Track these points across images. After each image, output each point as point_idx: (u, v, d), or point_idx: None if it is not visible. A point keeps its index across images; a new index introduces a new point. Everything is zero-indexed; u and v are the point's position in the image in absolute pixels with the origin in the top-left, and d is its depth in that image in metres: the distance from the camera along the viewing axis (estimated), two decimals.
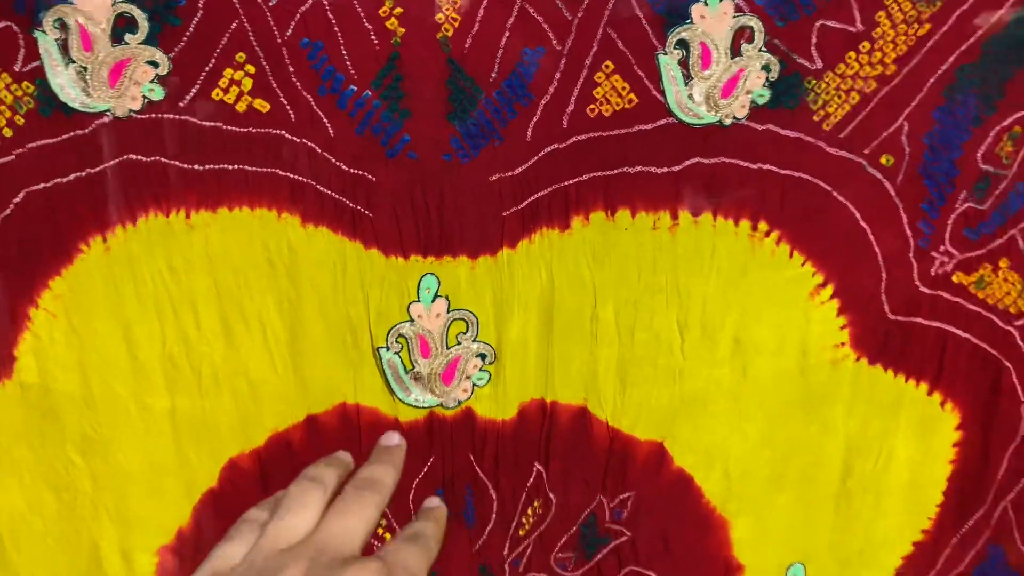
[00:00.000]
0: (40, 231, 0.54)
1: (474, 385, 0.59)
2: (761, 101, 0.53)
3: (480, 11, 0.51)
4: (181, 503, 0.60)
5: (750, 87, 0.53)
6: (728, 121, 0.53)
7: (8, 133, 0.52)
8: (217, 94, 0.52)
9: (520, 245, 0.56)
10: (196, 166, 0.53)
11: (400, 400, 0.59)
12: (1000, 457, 0.62)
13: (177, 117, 0.52)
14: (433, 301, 0.57)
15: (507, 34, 0.51)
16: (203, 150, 0.53)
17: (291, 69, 0.52)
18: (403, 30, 0.51)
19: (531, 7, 0.51)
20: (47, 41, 0.50)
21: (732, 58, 0.52)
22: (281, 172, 0.54)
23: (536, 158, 0.53)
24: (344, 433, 0.60)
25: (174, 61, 0.51)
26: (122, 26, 0.50)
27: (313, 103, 0.52)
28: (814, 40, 0.52)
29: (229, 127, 0.53)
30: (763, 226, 0.56)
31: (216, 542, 0.58)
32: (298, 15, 0.51)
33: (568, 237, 0.56)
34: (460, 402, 0.60)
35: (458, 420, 0.60)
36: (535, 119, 0.52)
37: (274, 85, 0.52)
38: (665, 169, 0.54)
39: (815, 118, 0.54)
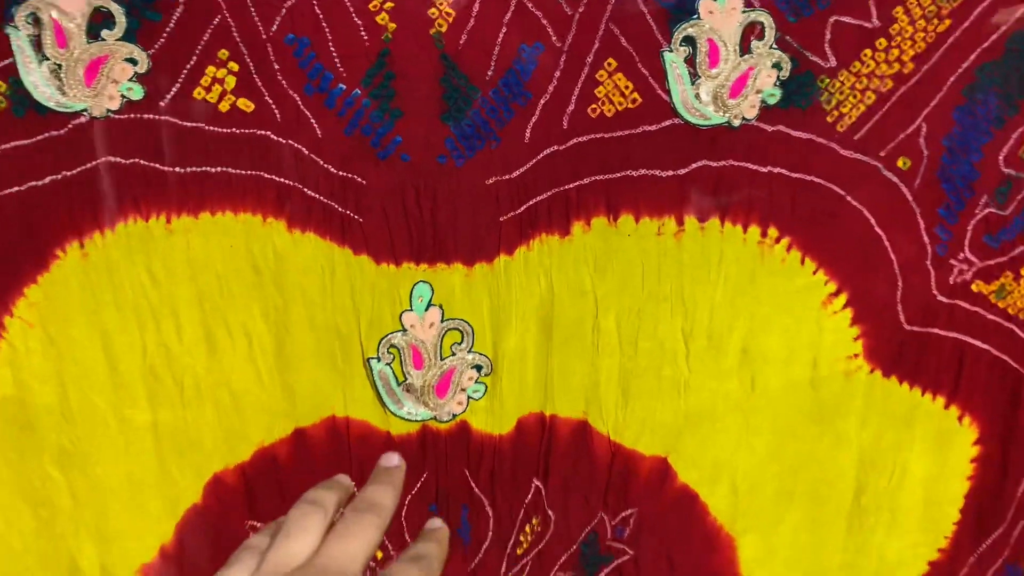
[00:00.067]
0: (14, 237, 0.52)
1: (469, 398, 0.58)
2: (772, 101, 0.52)
3: (476, 5, 0.49)
4: (163, 520, 0.59)
5: (760, 86, 0.52)
6: (737, 122, 0.52)
7: None
8: (199, 93, 0.51)
9: (518, 252, 0.55)
10: (177, 168, 0.52)
11: (392, 413, 0.58)
12: (1020, 473, 0.60)
13: (157, 117, 0.51)
14: (426, 310, 0.55)
15: (504, 30, 0.50)
16: (185, 152, 0.51)
17: (276, 67, 0.50)
18: (394, 25, 0.50)
19: (529, 1, 0.50)
20: (19, 37, 0.49)
21: (741, 56, 0.51)
22: (266, 175, 0.52)
23: (535, 160, 0.53)
24: (333, 447, 0.58)
25: (153, 58, 0.50)
26: (98, 22, 0.49)
27: (300, 102, 0.51)
28: (828, 36, 0.51)
29: (212, 128, 0.51)
30: (773, 232, 0.55)
31: (200, 560, 0.56)
32: (284, 10, 0.49)
33: (568, 243, 0.55)
34: (455, 415, 0.58)
35: (453, 434, 0.59)
36: (533, 119, 0.52)
37: (259, 83, 0.51)
38: (670, 172, 0.53)
39: (828, 119, 0.52)
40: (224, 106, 0.51)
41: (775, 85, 0.51)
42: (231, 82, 0.50)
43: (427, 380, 0.57)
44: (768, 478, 0.60)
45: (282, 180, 0.52)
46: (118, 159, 0.51)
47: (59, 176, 0.51)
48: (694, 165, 0.53)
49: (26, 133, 0.50)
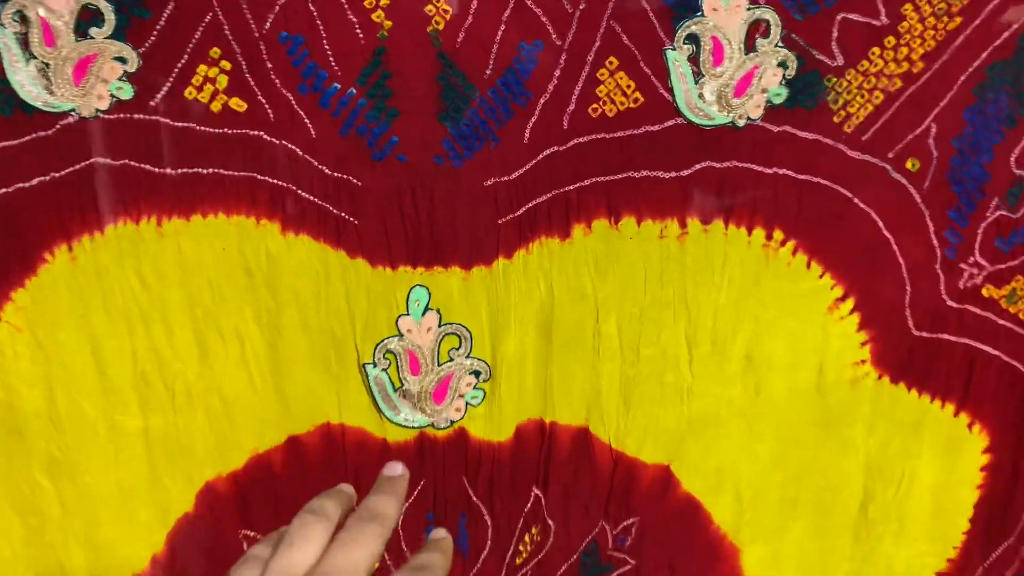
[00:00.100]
0: (1, 239, 0.52)
1: (468, 404, 0.57)
2: (777, 100, 0.51)
3: (474, 3, 0.49)
4: (155, 529, 0.58)
5: (765, 85, 0.51)
6: (741, 122, 0.51)
7: None
8: (190, 92, 0.50)
9: (517, 255, 0.54)
10: (168, 170, 0.51)
11: (388, 420, 0.57)
12: None
13: (147, 117, 0.50)
14: (423, 314, 0.55)
15: (503, 27, 0.49)
16: (175, 153, 0.51)
17: (270, 65, 0.50)
18: (390, 23, 0.49)
19: None
20: (6, 35, 0.48)
21: (746, 54, 0.50)
22: (259, 176, 0.52)
23: (534, 161, 0.52)
24: (328, 454, 0.58)
25: (143, 57, 0.49)
26: (87, 19, 0.48)
27: (293, 102, 0.50)
28: (835, 34, 0.50)
29: (203, 128, 0.50)
30: (778, 235, 0.54)
31: (192, 571, 0.55)
32: (277, 7, 0.49)
33: (569, 246, 0.54)
34: (453, 422, 0.57)
35: (450, 441, 0.58)
36: (533, 119, 0.51)
37: (251, 83, 0.50)
38: (673, 174, 0.52)
39: (835, 119, 0.52)
40: (216, 106, 0.50)
41: (781, 84, 0.51)
42: (223, 81, 0.50)
43: (424, 386, 0.56)
44: (773, 486, 0.59)
45: (276, 182, 0.52)
46: (107, 160, 0.50)
47: (47, 178, 0.50)
48: (698, 166, 0.52)
49: (13, 133, 0.50)
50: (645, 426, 0.58)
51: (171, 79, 0.49)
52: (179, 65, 0.49)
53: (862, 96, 0.51)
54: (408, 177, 0.51)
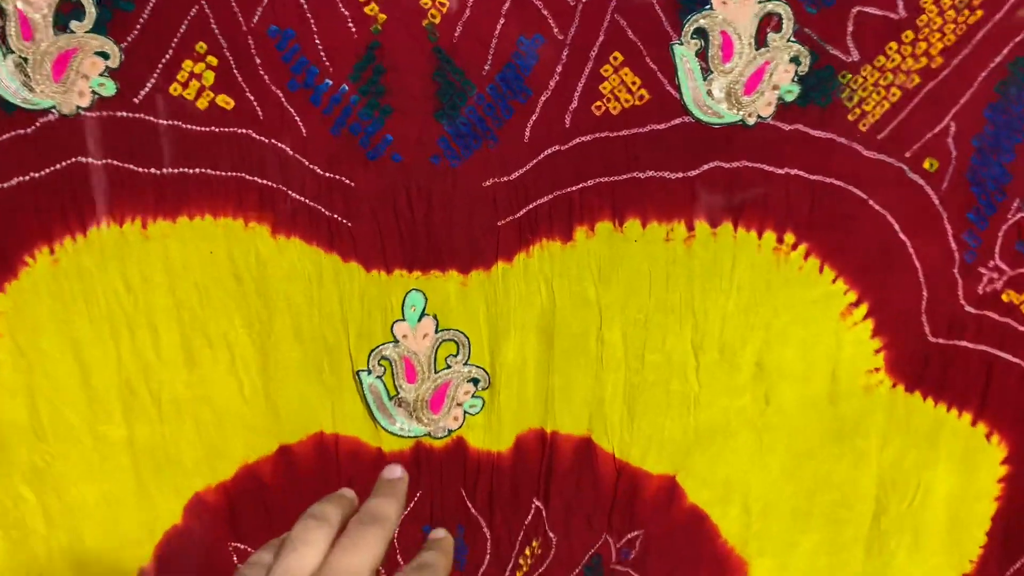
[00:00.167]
0: None
1: (466, 413, 0.56)
2: (789, 98, 0.50)
3: None
4: (142, 542, 0.57)
5: (777, 82, 0.50)
6: (752, 120, 0.50)
7: None
8: (176, 89, 0.49)
9: (517, 258, 0.53)
10: (153, 170, 0.50)
11: (383, 429, 0.56)
12: None
13: (131, 115, 0.49)
14: (420, 320, 0.54)
15: (502, 21, 0.48)
16: (160, 152, 0.50)
17: (258, 61, 0.48)
18: (384, 16, 0.48)
19: None
20: None
21: (757, 49, 0.49)
22: (248, 176, 0.51)
23: (535, 161, 0.51)
24: (321, 465, 0.57)
25: (126, 52, 0.48)
26: (67, 12, 0.47)
27: (283, 99, 0.49)
28: (850, 29, 0.49)
29: (189, 126, 0.49)
30: (789, 238, 0.53)
31: None
32: (266, 0, 0.47)
33: (571, 250, 0.53)
34: (450, 431, 0.57)
35: (448, 451, 0.57)
36: (534, 117, 0.50)
37: (239, 79, 0.49)
38: (680, 174, 0.51)
39: (850, 117, 0.50)
40: (203, 103, 0.49)
41: (793, 81, 0.50)
42: (210, 77, 0.49)
43: (420, 394, 0.55)
44: (783, 499, 0.58)
45: (265, 182, 0.51)
46: (89, 160, 0.49)
47: (26, 177, 0.49)
48: (706, 166, 0.51)
49: None
50: (650, 436, 0.57)
51: (155, 75, 0.48)
52: (164, 60, 0.48)
53: (878, 93, 0.50)
54: (403, 177, 0.51)
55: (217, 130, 0.49)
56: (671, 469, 0.58)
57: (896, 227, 0.52)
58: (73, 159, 0.49)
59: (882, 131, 0.51)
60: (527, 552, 0.60)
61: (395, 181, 0.51)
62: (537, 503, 0.58)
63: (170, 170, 0.50)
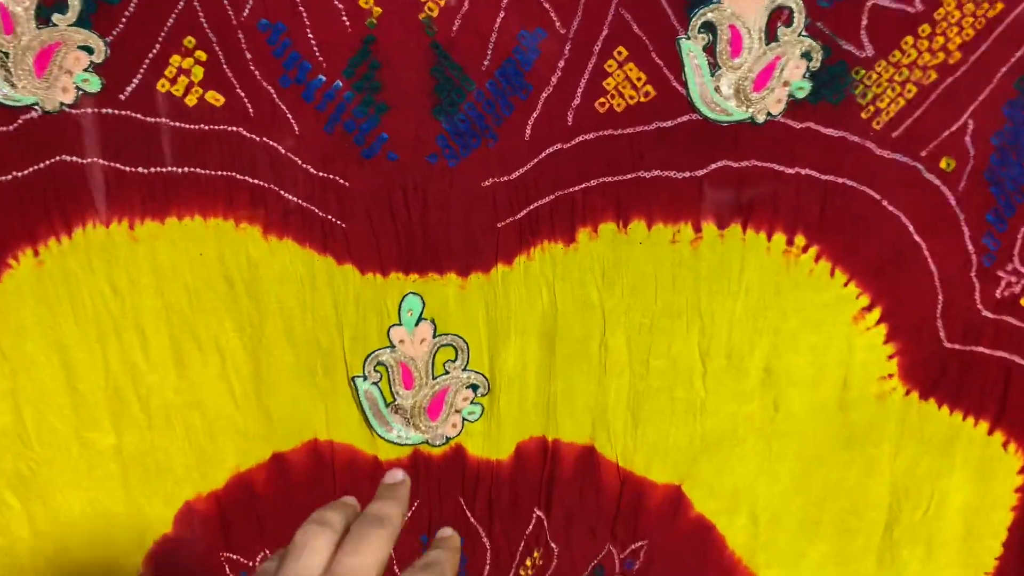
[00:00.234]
0: None
1: (464, 420, 0.56)
2: (800, 95, 0.49)
3: None
4: (131, 551, 0.56)
5: (788, 78, 0.49)
6: (761, 118, 0.50)
7: None
8: (163, 85, 0.48)
9: (517, 261, 0.52)
10: (140, 169, 0.49)
11: (380, 436, 0.55)
12: None
13: (117, 112, 0.48)
14: (417, 324, 0.53)
15: (502, 14, 0.47)
16: (148, 150, 0.49)
17: (249, 56, 0.47)
18: (380, 9, 0.47)
19: None
20: None
21: (767, 44, 0.48)
22: (239, 176, 0.50)
23: (536, 160, 0.50)
24: (315, 473, 0.56)
25: (112, 46, 0.47)
26: (49, 5, 0.46)
27: (275, 96, 0.48)
28: (864, 22, 0.48)
29: (178, 124, 0.48)
30: (800, 240, 0.52)
31: None
32: None
33: (573, 252, 0.52)
34: (448, 439, 0.56)
35: (446, 459, 0.56)
36: (535, 115, 0.49)
37: (229, 75, 0.48)
38: (687, 174, 0.51)
39: (863, 115, 0.50)
40: (191, 99, 0.48)
41: (804, 77, 0.49)
42: (199, 73, 0.48)
43: (418, 401, 0.54)
44: (792, 508, 0.58)
45: (256, 182, 0.50)
46: (74, 158, 0.49)
47: (8, 177, 0.48)
48: (713, 166, 0.50)
49: None
50: (655, 444, 0.56)
51: (142, 71, 0.47)
52: (151, 55, 0.47)
53: (893, 90, 0.49)
54: (399, 177, 0.50)
55: (206, 128, 0.48)
56: (676, 478, 0.57)
57: (911, 229, 0.51)
58: (57, 158, 0.48)
59: (897, 129, 0.50)
60: (528, 563, 0.59)
61: (391, 181, 0.50)
62: (538, 512, 0.57)
63: (158, 169, 0.49)
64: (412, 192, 0.50)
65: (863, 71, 0.48)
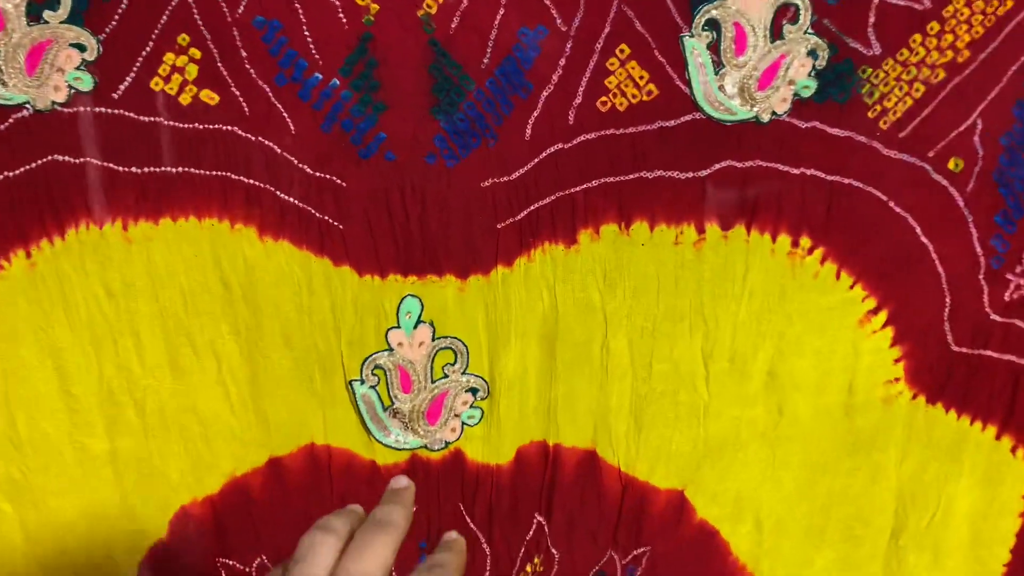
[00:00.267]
0: None
1: (464, 424, 0.55)
2: (806, 93, 0.49)
3: None
4: (126, 557, 0.56)
5: (793, 77, 0.48)
6: (766, 117, 0.49)
7: None
8: (157, 83, 0.47)
9: (517, 263, 0.52)
10: (134, 169, 0.49)
11: (377, 441, 0.55)
12: None
13: (109, 111, 0.47)
14: (415, 327, 0.52)
15: (502, 11, 0.47)
16: (141, 150, 0.48)
17: (244, 54, 0.47)
18: (377, 7, 0.46)
19: None
20: None
21: (772, 42, 0.48)
22: (234, 176, 0.49)
23: (536, 160, 0.50)
24: (312, 478, 0.55)
25: (104, 44, 0.46)
26: (41, 2, 0.45)
27: (271, 94, 0.48)
28: (872, 20, 0.47)
29: (172, 123, 0.48)
30: (805, 242, 0.51)
31: None
32: None
33: (574, 253, 0.52)
34: (447, 444, 0.55)
35: (445, 464, 0.56)
36: (535, 114, 0.49)
37: (224, 73, 0.47)
38: (690, 174, 0.50)
39: (870, 114, 0.49)
40: (185, 98, 0.48)
41: (810, 75, 0.48)
42: (193, 71, 0.47)
43: (416, 405, 0.54)
44: (797, 515, 0.57)
45: (252, 182, 0.49)
46: (66, 158, 0.48)
47: (0, 177, 0.48)
48: (717, 166, 0.50)
49: None
50: (657, 448, 0.56)
51: (135, 69, 0.47)
52: (144, 53, 0.47)
53: (900, 89, 0.48)
54: (397, 177, 0.49)
55: (201, 127, 0.48)
56: (679, 483, 0.56)
57: (918, 230, 0.51)
58: (49, 157, 0.48)
59: (904, 129, 0.49)
60: (528, 569, 0.58)
61: (389, 181, 0.49)
62: (539, 518, 0.57)
63: (152, 169, 0.48)
64: (410, 193, 0.49)
65: (870, 70, 0.48)
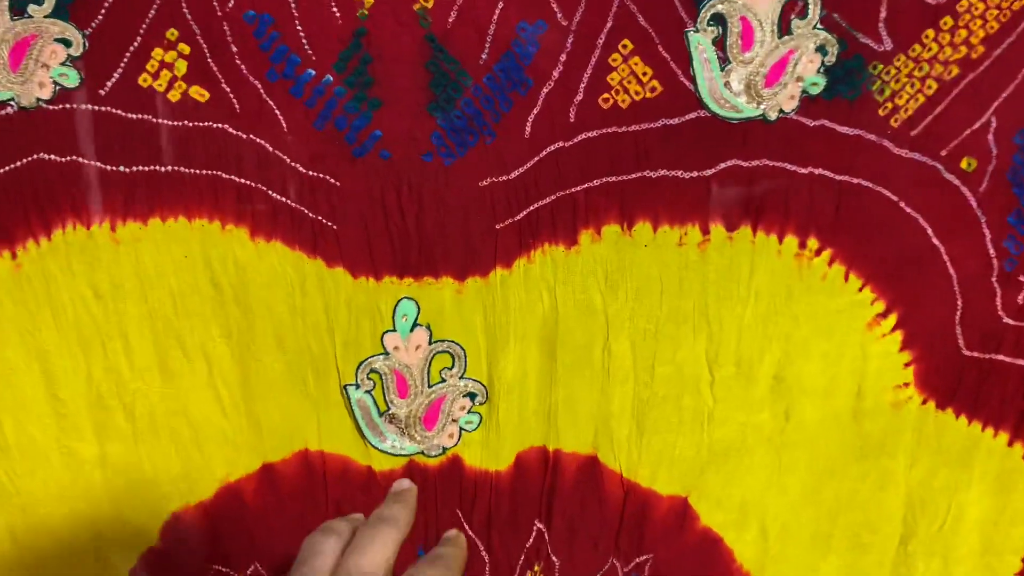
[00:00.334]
0: None
1: (462, 430, 0.54)
2: (815, 91, 0.48)
3: None
4: (116, 564, 0.55)
5: (801, 73, 0.47)
6: (773, 115, 0.48)
7: None
8: (145, 80, 0.46)
9: (517, 264, 0.51)
10: (121, 167, 0.48)
11: (373, 447, 0.54)
12: None
13: (96, 108, 0.47)
14: (412, 330, 0.51)
15: (500, 5, 0.46)
16: (129, 148, 0.47)
17: (235, 49, 0.46)
18: (371, 0, 0.45)
19: None
20: None
21: (780, 37, 0.47)
22: (225, 175, 0.48)
23: (536, 159, 0.49)
24: (306, 484, 0.54)
25: (91, 39, 0.46)
26: None
27: (262, 91, 0.47)
28: (883, 14, 0.46)
29: (160, 120, 0.47)
30: (813, 243, 0.50)
31: None
32: None
33: (575, 255, 0.51)
34: (445, 449, 0.54)
35: (443, 470, 0.55)
36: (535, 111, 0.48)
37: (214, 69, 0.47)
38: (695, 173, 0.49)
39: (881, 112, 0.48)
40: (174, 95, 0.47)
41: (819, 72, 0.47)
42: (182, 67, 0.46)
43: (413, 410, 0.53)
44: (803, 522, 0.56)
45: (243, 181, 0.49)
46: (52, 156, 0.47)
47: None
48: (722, 165, 0.49)
49: None
50: (660, 454, 0.55)
51: (123, 64, 0.46)
52: (132, 48, 0.46)
53: (912, 86, 0.47)
54: (393, 176, 0.49)
55: (190, 124, 0.47)
56: (683, 489, 0.55)
57: (929, 231, 0.50)
58: (34, 156, 0.47)
59: (916, 127, 0.48)
60: None
61: (384, 180, 0.48)
62: (539, 525, 0.56)
63: (140, 168, 0.48)
64: (406, 192, 0.49)
65: (881, 66, 0.47)
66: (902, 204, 0.49)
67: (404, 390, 0.52)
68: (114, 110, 0.46)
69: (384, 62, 0.46)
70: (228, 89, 0.46)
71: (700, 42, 0.47)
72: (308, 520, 0.54)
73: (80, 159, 0.47)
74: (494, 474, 0.54)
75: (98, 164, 0.47)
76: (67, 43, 0.45)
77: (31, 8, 0.44)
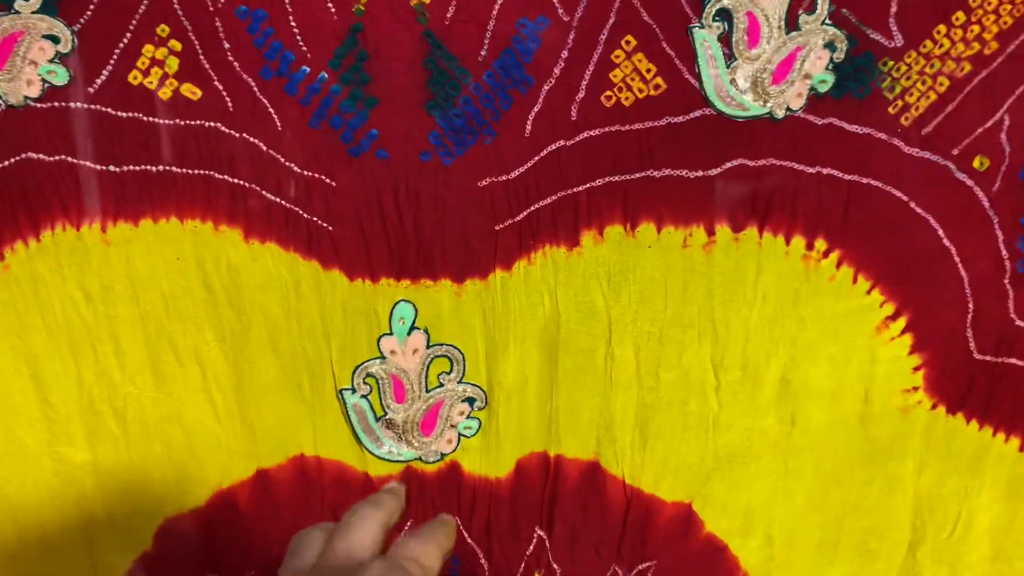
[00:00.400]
0: None
1: (460, 436, 0.54)
2: (823, 88, 0.47)
3: None
4: (110, 572, 0.55)
5: (809, 70, 0.47)
6: (780, 113, 0.48)
7: None
8: (136, 77, 0.46)
9: (517, 266, 0.50)
10: (112, 167, 0.47)
11: (369, 452, 0.53)
12: None
13: (86, 106, 0.46)
14: (409, 334, 0.51)
15: (500, 1, 0.45)
16: (120, 147, 0.47)
17: (227, 46, 0.46)
18: None
19: None
20: None
21: (787, 33, 0.46)
22: (217, 175, 0.48)
23: (537, 158, 0.49)
24: (301, 490, 0.54)
25: (79, 36, 0.45)
26: None
27: (256, 89, 0.47)
28: (894, 10, 0.46)
29: (152, 119, 0.47)
30: (820, 244, 0.50)
31: None
32: None
33: (577, 256, 0.50)
34: (443, 455, 0.54)
35: (441, 477, 0.54)
36: (536, 109, 0.48)
37: (206, 66, 0.46)
38: (700, 173, 0.49)
39: (891, 110, 0.48)
40: (166, 93, 0.47)
41: (827, 69, 0.47)
42: (173, 64, 0.46)
43: (410, 415, 0.52)
44: (809, 528, 0.56)
45: (236, 181, 0.48)
46: (40, 156, 0.47)
47: None
48: (728, 164, 0.49)
49: None
50: (664, 460, 0.54)
51: (112, 62, 0.46)
52: (121, 45, 0.46)
53: (923, 83, 0.47)
54: (390, 176, 0.48)
55: (182, 123, 0.47)
56: (687, 496, 0.55)
57: (940, 232, 0.50)
58: (23, 155, 0.47)
59: (927, 125, 0.48)
60: None
61: (381, 180, 0.48)
62: (540, 532, 0.55)
63: (131, 167, 0.47)
64: (404, 192, 0.48)
65: (891, 63, 0.46)
66: (912, 204, 0.49)
67: (401, 395, 0.52)
68: (104, 108, 0.46)
69: (381, 59, 0.46)
70: (221, 87, 0.46)
71: (705, 38, 0.46)
72: (303, 527, 0.53)
73: (70, 158, 0.47)
74: (494, 481, 0.54)
75: (88, 164, 0.47)
76: (55, 40, 0.45)
77: (18, 3, 0.44)
